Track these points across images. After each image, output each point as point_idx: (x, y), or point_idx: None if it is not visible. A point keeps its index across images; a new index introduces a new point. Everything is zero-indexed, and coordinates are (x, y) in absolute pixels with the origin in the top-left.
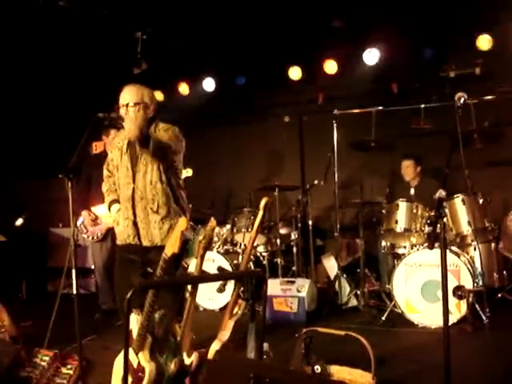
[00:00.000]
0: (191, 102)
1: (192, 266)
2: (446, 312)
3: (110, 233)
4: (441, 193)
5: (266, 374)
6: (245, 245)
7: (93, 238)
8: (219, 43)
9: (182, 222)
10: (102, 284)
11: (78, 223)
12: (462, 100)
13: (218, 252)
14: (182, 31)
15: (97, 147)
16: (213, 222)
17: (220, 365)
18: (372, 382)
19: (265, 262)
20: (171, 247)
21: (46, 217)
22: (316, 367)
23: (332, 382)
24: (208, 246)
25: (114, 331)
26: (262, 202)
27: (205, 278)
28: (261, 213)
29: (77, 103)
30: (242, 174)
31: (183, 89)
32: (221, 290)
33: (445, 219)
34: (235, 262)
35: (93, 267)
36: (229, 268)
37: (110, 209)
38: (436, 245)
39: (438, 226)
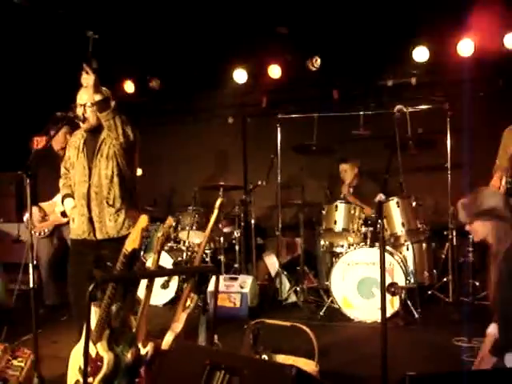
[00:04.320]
0: (136, 100)
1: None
2: (383, 306)
3: (56, 229)
4: (381, 197)
5: (222, 360)
6: (189, 242)
7: (40, 233)
8: (165, 43)
9: (143, 220)
10: (47, 280)
11: (25, 219)
12: (400, 112)
13: (163, 249)
14: (129, 31)
15: (38, 142)
16: (170, 220)
17: (176, 353)
18: (316, 369)
19: (208, 259)
20: (132, 243)
21: None
22: (263, 356)
23: (282, 365)
24: (165, 242)
25: (58, 325)
26: (218, 202)
27: (162, 272)
28: (216, 212)
29: (28, 101)
30: (186, 173)
31: (128, 87)
32: (164, 286)
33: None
34: (179, 258)
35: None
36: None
37: (63, 202)
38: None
39: (378, 226)
